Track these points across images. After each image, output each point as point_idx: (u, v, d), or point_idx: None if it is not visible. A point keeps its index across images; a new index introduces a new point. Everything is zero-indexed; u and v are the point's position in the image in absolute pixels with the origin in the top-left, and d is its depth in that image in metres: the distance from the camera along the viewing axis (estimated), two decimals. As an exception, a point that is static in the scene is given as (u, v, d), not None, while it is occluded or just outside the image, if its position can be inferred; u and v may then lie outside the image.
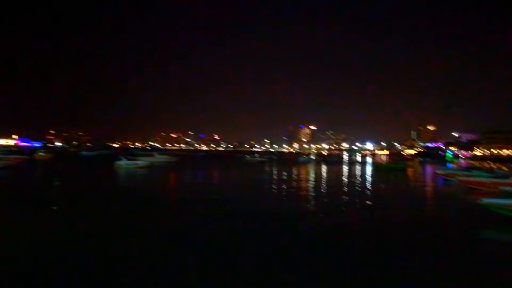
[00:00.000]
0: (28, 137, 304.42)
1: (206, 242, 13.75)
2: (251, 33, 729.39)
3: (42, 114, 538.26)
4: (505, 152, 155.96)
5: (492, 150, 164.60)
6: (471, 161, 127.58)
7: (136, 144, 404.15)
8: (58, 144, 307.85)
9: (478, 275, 10.99)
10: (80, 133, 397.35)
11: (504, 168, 60.25)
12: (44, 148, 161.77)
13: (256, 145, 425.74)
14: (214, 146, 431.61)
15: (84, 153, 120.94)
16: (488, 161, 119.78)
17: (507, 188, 26.39)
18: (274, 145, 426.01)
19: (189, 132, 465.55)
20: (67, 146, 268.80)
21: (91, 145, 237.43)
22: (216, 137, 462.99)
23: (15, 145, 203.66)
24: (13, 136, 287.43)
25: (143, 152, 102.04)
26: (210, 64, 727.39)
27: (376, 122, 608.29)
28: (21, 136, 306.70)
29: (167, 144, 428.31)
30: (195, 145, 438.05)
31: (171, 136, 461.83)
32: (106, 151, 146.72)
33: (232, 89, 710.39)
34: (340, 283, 10.12)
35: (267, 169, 63.43)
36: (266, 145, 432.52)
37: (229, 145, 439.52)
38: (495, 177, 34.14)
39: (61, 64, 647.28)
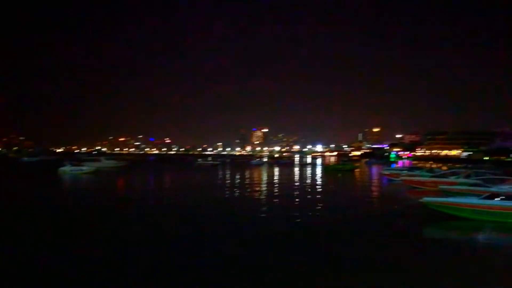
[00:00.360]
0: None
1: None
2: (199, 34, 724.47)
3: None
4: (444, 152, 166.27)
5: (433, 150, 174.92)
6: (413, 161, 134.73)
7: (82, 149, 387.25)
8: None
9: (417, 266, 11.63)
10: (21, 138, 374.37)
11: (444, 168, 64.12)
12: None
13: (209, 149, 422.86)
14: (165, 149, 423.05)
15: (25, 159, 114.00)
16: (430, 162, 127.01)
17: (446, 187, 28.07)
18: (227, 148, 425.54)
19: (139, 136, 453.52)
20: (6, 151, 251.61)
21: (32, 150, 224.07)
22: (167, 140, 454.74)
23: None
24: None
25: (89, 157, 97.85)
26: (161, 66, 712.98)
27: (326, 125, 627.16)
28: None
29: (115, 149, 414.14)
30: (145, 149, 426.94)
31: (120, 140, 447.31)
32: (49, 156, 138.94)
33: (184, 92, 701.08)
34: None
35: (220, 172, 63.19)
36: (219, 148, 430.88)
37: (181, 149, 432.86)
38: (435, 177, 36.27)
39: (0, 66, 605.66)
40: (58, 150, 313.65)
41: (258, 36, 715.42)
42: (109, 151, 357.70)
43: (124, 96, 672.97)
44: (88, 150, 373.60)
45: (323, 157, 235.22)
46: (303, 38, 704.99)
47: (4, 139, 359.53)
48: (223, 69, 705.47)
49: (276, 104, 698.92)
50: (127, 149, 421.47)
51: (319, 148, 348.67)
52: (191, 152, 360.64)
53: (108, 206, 24.45)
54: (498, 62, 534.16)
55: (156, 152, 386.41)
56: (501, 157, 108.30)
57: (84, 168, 56.39)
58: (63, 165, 55.67)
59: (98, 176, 50.29)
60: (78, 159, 73.84)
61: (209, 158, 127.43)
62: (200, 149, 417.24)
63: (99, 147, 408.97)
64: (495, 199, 18.68)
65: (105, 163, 73.34)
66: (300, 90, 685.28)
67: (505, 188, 23.55)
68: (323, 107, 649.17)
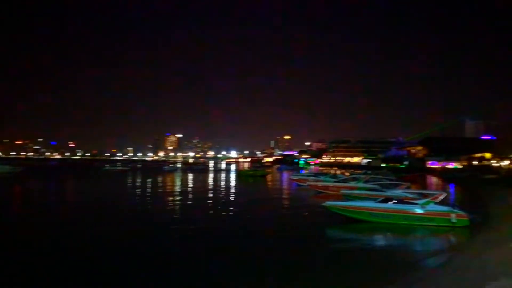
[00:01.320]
0: None
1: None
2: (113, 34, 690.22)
3: None
4: (347, 159, 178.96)
5: (337, 157, 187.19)
6: (320, 168, 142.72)
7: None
8: None
9: (316, 265, 12.40)
10: None
11: (346, 174, 68.94)
12: None
13: (118, 154, 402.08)
14: (69, 154, 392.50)
15: None
16: (334, 168, 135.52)
17: (347, 191, 30.29)
18: (138, 153, 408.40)
19: (39, 139, 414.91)
20: None
21: None
22: (71, 144, 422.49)
23: None
24: None
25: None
26: (66, 65, 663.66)
27: (240, 131, 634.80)
28: None
29: (12, 153, 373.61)
30: (46, 153, 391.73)
31: (16, 143, 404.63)
32: None
33: (92, 92, 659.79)
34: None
35: (130, 179, 60.51)
36: (129, 154, 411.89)
37: (86, 154, 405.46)
38: (338, 182, 38.91)
39: None
40: None
41: (173, 38, 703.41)
42: (4, 156, 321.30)
43: (21, 96, 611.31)
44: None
45: (237, 163, 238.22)
46: (221, 43, 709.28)
47: None
48: (137, 71, 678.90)
49: (190, 109, 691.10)
50: (24, 153, 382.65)
51: (233, 154, 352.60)
52: (97, 158, 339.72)
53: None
54: (394, 78, 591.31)
55: (59, 157, 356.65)
56: (396, 164, 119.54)
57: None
58: None
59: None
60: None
61: (118, 164, 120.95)
62: (108, 154, 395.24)
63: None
64: (389, 202, 20.62)
65: (-3, 168, 65.77)
66: (216, 96, 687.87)
67: (398, 192, 26.16)
68: (238, 113, 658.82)
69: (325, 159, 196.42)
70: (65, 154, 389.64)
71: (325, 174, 54.62)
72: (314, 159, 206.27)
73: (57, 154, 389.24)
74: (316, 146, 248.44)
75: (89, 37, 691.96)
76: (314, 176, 51.06)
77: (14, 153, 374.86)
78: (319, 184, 39.42)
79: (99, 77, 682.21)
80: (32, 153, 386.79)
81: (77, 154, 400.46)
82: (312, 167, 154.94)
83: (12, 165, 79.22)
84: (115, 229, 18.40)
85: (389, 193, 25.78)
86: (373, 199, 22.58)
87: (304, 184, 43.37)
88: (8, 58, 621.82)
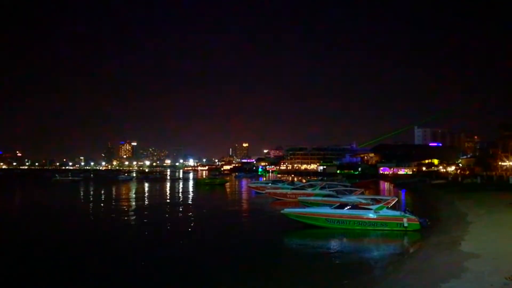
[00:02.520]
0: None
1: None
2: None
3: None
4: (304, 166, 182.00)
5: (294, 165, 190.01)
6: (278, 175, 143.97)
7: None
8: None
9: (276, 267, 12.37)
10: None
11: (303, 181, 70.01)
12: None
13: (69, 163, 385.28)
14: (16, 164, 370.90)
15: None
16: (292, 175, 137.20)
17: (304, 198, 30.67)
18: (90, 162, 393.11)
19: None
20: None
21: None
22: (19, 153, 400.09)
23: None
24: None
25: None
26: (13, 70, 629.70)
27: (198, 139, 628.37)
28: None
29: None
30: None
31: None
32: None
33: (42, 99, 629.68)
34: None
35: (82, 189, 57.99)
36: (81, 163, 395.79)
37: (35, 163, 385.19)
38: (295, 189, 39.36)
39: None
40: None
41: (125, 49, 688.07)
42: None
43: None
44: None
45: (195, 171, 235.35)
46: (182, 49, 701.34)
47: None
48: (90, 79, 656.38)
49: (146, 117, 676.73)
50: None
51: (191, 162, 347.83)
52: (47, 167, 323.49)
53: None
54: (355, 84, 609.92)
55: (4, 167, 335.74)
56: (351, 171, 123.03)
57: None
58: None
59: None
60: None
61: (69, 174, 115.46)
62: (58, 163, 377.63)
63: None
64: (344, 208, 21.05)
65: None
66: (172, 104, 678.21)
67: (352, 198, 26.77)
68: (195, 121, 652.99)
69: (283, 166, 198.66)
70: (13, 164, 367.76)
71: (283, 182, 55.16)
72: (272, 166, 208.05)
73: (2, 164, 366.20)
74: (273, 153, 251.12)
75: (39, 42, 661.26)
76: (272, 183, 51.40)
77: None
78: (277, 191, 39.69)
79: (49, 84, 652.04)
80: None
81: (25, 163, 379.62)
82: (270, 174, 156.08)
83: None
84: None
85: (344, 199, 26.34)
86: (329, 205, 22.97)
87: (263, 192, 43.51)
88: None
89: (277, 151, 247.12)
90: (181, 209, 31.99)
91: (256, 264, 13.84)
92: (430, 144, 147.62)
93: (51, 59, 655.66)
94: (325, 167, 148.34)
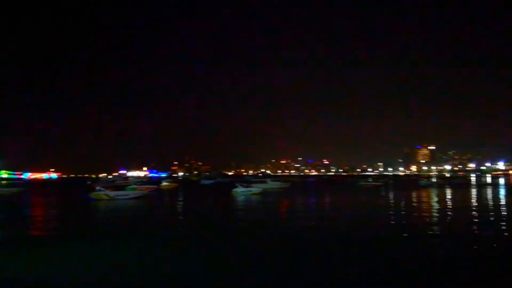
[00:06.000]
0: (156, 168, 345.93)
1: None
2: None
3: (167, 147, 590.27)
4: None
5: None
6: None
7: (249, 171, 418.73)
8: (181, 173, 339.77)
9: None
10: (199, 163, 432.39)
11: None
12: (169, 178, 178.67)
13: (368, 169, 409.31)
14: (324, 171, 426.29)
15: (204, 181, 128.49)
16: None
17: None
18: (388, 168, 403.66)
19: (298, 158, 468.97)
20: (188, 175, 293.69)
21: (209, 173, 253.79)
22: (326, 161, 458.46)
23: (145, 176, 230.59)
24: (144, 168, 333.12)
25: (257, 179, 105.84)
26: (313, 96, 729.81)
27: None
28: (150, 168, 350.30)
29: (278, 171, 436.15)
30: (305, 170, 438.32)
31: (281, 162, 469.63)
32: (223, 179, 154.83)
33: (337, 115, 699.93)
34: None
35: (383, 194, 60.57)
36: (379, 169, 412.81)
37: (339, 170, 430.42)
38: None
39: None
40: (229, 173, 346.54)
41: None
42: (272, 173, 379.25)
43: (279, 122, 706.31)
44: (254, 172, 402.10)
45: (507, 175, 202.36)
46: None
47: (187, 165, 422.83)
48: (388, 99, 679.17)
49: (442, 120, 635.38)
50: (288, 171, 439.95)
51: (500, 165, 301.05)
52: (349, 173, 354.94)
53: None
54: None
55: (315, 173, 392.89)
56: None
57: (253, 189, 61.34)
58: (236, 187, 61.49)
59: (265, 196, 53.89)
60: (247, 181, 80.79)
61: (370, 179, 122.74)
62: (359, 170, 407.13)
63: (263, 170, 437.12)
64: None
65: (270, 184, 78.39)
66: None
67: None
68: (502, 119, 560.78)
69: None
70: (321, 170, 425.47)
71: None
72: None
73: (314, 170, 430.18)
74: None
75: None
76: None
77: (280, 171, 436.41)
78: None
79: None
80: (294, 171, 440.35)
81: (332, 170, 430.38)
82: None
83: (281, 181, 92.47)
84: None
85: None
86: None
87: None
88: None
89: None
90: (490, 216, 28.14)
91: None
92: None
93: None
94: None
